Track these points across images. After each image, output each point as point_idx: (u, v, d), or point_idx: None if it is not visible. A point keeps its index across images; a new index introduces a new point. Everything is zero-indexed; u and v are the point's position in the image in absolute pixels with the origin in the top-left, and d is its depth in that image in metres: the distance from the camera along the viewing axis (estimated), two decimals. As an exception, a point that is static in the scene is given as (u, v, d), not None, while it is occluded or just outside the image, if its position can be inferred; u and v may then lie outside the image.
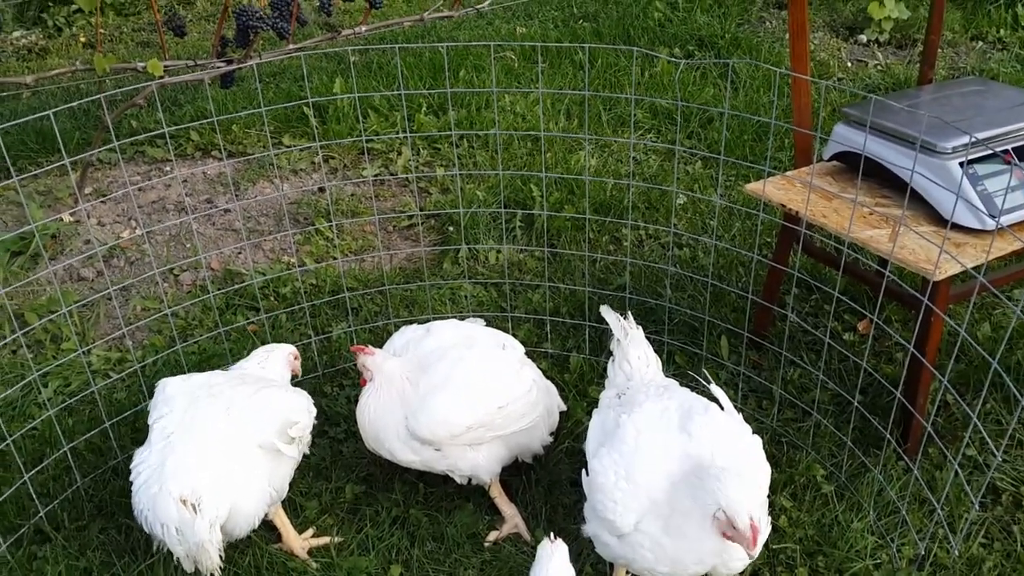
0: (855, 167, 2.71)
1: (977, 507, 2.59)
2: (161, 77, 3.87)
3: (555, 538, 2.13)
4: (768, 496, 2.29)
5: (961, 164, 2.62)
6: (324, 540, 2.69)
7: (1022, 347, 3.21)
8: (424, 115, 5.02)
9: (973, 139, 2.58)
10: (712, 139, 4.77)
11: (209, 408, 2.50)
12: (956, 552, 2.51)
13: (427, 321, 2.90)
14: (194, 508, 2.29)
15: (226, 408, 2.50)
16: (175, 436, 2.43)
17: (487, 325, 2.94)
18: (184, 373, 2.77)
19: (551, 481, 2.84)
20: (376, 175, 4.70)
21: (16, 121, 2.98)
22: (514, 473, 2.82)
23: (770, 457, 2.33)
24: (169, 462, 2.36)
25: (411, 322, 2.94)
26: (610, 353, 2.66)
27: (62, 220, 4.30)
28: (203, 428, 2.45)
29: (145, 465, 2.39)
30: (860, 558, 2.51)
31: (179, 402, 2.53)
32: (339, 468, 2.92)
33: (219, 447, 2.43)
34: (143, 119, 5.15)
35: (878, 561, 2.50)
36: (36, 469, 2.78)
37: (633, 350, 2.59)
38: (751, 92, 5.17)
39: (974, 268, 2.49)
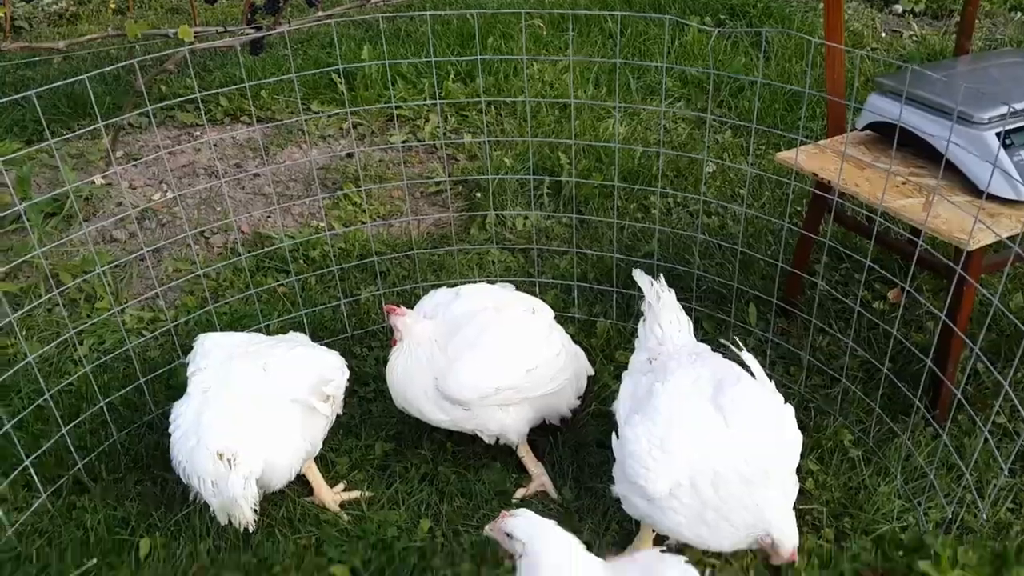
0: (888, 137, 2.69)
1: (1006, 473, 2.59)
2: (191, 43, 3.89)
3: (507, 513, 2.09)
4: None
5: (998, 134, 2.60)
6: (355, 494, 2.73)
7: (1054, 318, 3.20)
8: (452, 82, 5.02)
9: (1011, 109, 2.56)
10: (743, 108, 4.74)
11: (246, 364, 2.55)
12: (984, 516, 2.51)
13: (455, 285, 2.93)
14: (229, 463, 2.34)
15: (263, 365, 2.55)
16: (212, 391, 2.48)
17: (515, 290, 2.95)
18: (216, 332, 2.81)
19: (578, 442, 2.87)
20: (404, 141, 4.71)
21: (49, 86, 3.00)
22: (541, 434, 2.85)
23: (798, 422, 2.34)
24: (206, 416, 2.42)
25: (439, 287, 2.96)
26: (640, 314, 2.67)
27: (94, 183, 4.35)
28: (240, 384, 2.50)
29: (184, 418, 2.45)
30: (887, 520, 2.52)
31: (216, 356, 2.58)
32: (369, 426, 2.96)
33: (256, 403, 2.48)
34: (173, 84, 5.18)
35: (905, 524, 2.52)
36: (74, 423, 2.83)
37: (665, 314, 2.59)
38: (783, 61, 5.12)
39: (1008, 238, 2.48)
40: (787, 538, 2.13)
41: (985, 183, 2.52)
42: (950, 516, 2.51)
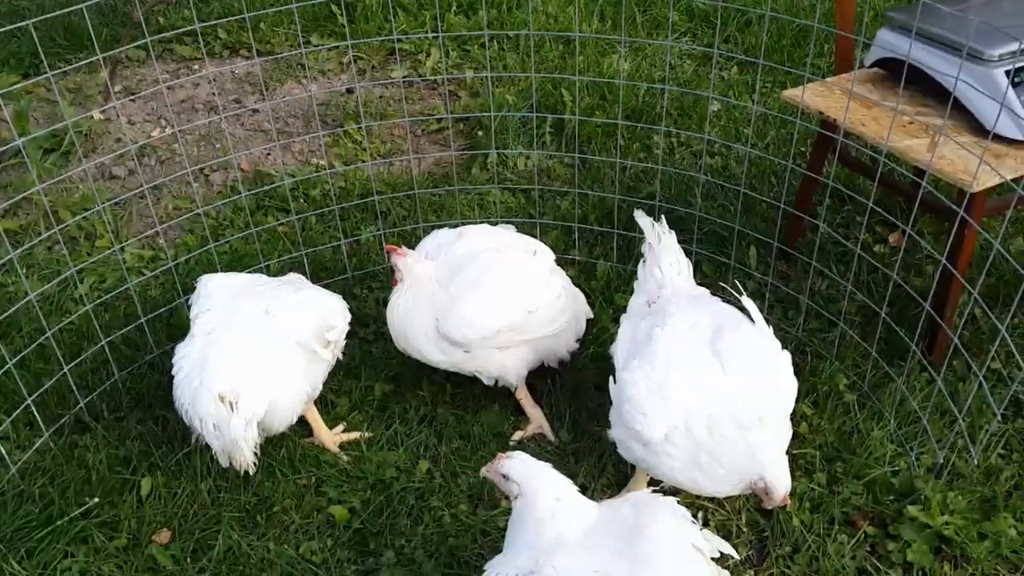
0: (897, 74, 2.64)
1: (999, 419, 2.60)
2: (188, -28, 3.81)
3: (504, 455, 2.09)
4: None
5: (1007, 72, 2.54)
6: (355, 435, 2.77)
7: (1056, 262, 3.18)
8: (454, 15, 4.91)
9: (1022, 46, 2.49)
10: (749, 43, 4.64)
11: (250, 307, 2.55)
12: (975, 462, 2.54)
13: (456, 226, 2.91)
14: (231, 406, 2.36)
15: (266, 308, 2.55)
16: (216, 333, 2.49)
17: (517, 231, 2.94)
18: (217, 272, 2.81)
19: (576, 385, 2.89)
20: (405, 77, 4.64)
21: (45, 16, 2.94)
22: (540, 377, 2.86)
23: (793, 366, 2.35)
24: (210, 358, 2.43)
25: (439, 227, 2.95)
26: (640, 256, 2.65)
27: (92, 118, 4.31)
28: (243, 326, 2.51)
29: (187, 360, 2.46)
30: (879, 465, 2.55)
31: (220, 298, 2.59)
32: (369, 368, 2.98)
33: (259, 346, 2.49)
34: (171, 16, 5.09)
35: (896, 468, 2.54)
36: (75, 362, 2.85)
37: (665, 256, 2.57)
38: (792, -6, 4.99)
39: (1013, 180, 2.44)
40: (779, 482, 2.16)
41: (992, 122, 2.47)
42: (941, 461, 2.54)
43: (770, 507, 2.28)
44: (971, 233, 2.60)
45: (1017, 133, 2.54)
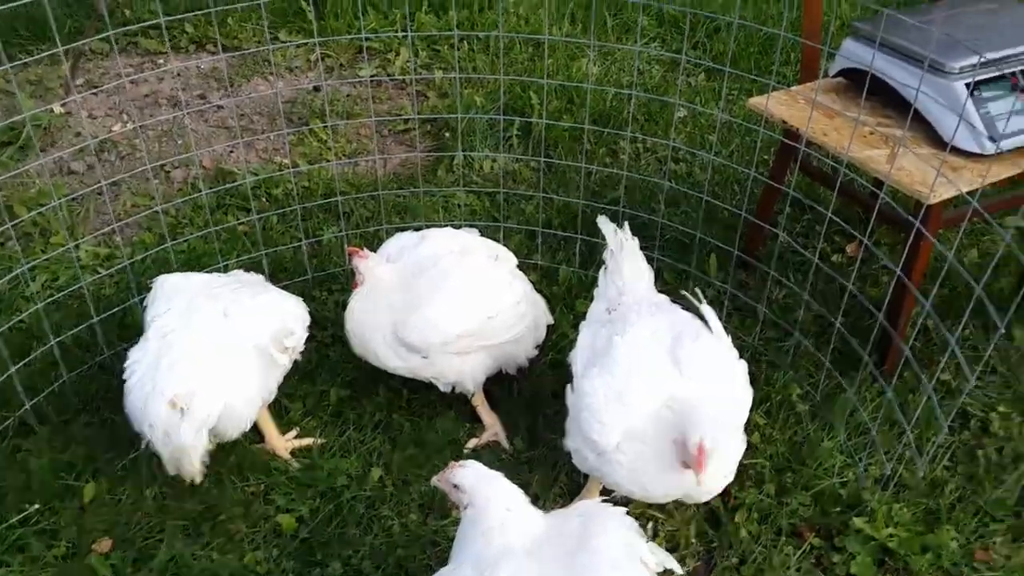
0: (861, 84, 2.64)
1: (946, 430, 2.62)
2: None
3: (456, 464, 2.07)
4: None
5: (967, 85, 2.55)
6: (307, 441, 2.73)
7: (1007, 275, 3.21)
8: (424, 14, 4.88)
9: (982, 59, 2.50)
10: (718, 50, 4.64)
11: (207, 310, 2.50)
12: (921, 473, 2.55)
13: (419, 228, 2.88)
14: (182, 412, 2.31)
15: (223, 311, 2.50)
16: (172, 336, 2.44)
17: (480, 235, 2.91)
18: (173, 271, 2.76)
19: (533, 392, 2.87)
20: (373, 76, 4.60)
21: (5, 6, 2.87)
22: (498, 383, 2.84)
23: (749, 375, 2.35)
24: (164, 362, 2.37)
25: (403, 229, 2.92)
26: (603, 261, 2.64)
27: (52, 111, 4.23)
28: (200, 330, 2.45)
29: (140, 364, 2.40)
30: (828, 476, 2.55)
31: (177, 301, 2.53)
32: (325, 371, 2.95)
33: (215, 350, 2.44)
34: (136, 8, 5.01)
35: (844, 479, 2.55)
36: (23, 362, 2.78)
37: (627, 263, 2.55)
38: (760, 2, 5.00)
39: (968, 193, 2.45)
40: (690, 426, 2.02)
41: (950, 135, 2.48)
42: (889, 472, 2.55)
43: (692, 466, 2.04)
44: (926, 245, 2.61)
45: (974, 146, 2.55)
